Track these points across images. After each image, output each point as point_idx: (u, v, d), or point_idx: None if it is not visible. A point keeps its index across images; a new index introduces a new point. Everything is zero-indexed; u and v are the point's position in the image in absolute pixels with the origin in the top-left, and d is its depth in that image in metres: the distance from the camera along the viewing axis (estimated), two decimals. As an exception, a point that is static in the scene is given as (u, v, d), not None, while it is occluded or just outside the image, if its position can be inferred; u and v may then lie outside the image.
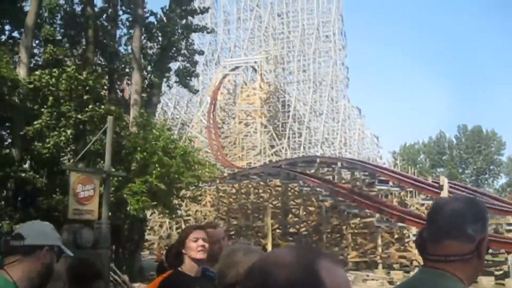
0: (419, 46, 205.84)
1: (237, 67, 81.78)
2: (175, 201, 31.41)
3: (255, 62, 79.23)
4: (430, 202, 38.17)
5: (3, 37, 32.73)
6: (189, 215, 53.59)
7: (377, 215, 36.22)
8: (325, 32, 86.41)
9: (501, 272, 30.39)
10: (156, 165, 26.04)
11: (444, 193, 34.30)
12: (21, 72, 25.77)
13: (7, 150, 24.97)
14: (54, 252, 3.02)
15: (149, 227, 46.87)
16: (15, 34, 32.69)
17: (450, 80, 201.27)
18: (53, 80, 25.39)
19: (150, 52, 35.60)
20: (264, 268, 1.28)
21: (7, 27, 32.84)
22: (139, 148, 26.98)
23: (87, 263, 4.46)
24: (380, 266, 35.18)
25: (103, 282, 4.19)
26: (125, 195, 25.70)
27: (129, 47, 34.45)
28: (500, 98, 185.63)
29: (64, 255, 3.13)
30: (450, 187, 38.00)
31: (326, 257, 1.30)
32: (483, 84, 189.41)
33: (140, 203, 25.08)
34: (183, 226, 36.32)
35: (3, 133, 28.85)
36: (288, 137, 79.27)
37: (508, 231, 33.31)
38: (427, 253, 2.23)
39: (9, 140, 28.00)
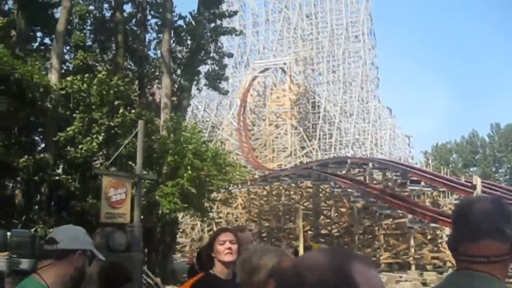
0: (450, 43, 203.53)
1: (266, 69, 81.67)
2: (207, 204, 31.52)
3: (284, 64, 79.07)
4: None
5: (35, 44, 33.29)
6: (220, 218, 53.64)
7: (410, 215, 35.88)
8: (354, 32, 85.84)
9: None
10: (188, 167, 26.14)
11: (478, 193, 33.83)
12: (53, 78, 26.13)
13: (41, 155, 25.27)
14: (87, 256, 3.06)
15: (181, 230, 47.10)
16: (47, 40, 33.25)
17: (483, 78, 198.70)
18: (85, 85, 25.69)
19: (180, 55, 35.77)
20: (297, 271, 1.28)
21: (38, 34, 33.39)
22: (170, 151, 27.13)
23: (117, 267, 4.53)
24: (413, 267, 34.80)
25: (133, 285, 4.23)
26: (156, 197, 25.86)
27: (159, 51, 34.67)
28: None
29: (96, 259, 3.15)
30: (484, 186, 37.51)
31: (359, 259, 1.29)
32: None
33: (171, 204, 25.20)
34: (215, 229, 36.44)
35: (36, 138, 29.27)
36: (319, 138, 78.93)
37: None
38: (459, 254, 2.18)
39: (42, 145, 28.39)
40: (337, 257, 1.29)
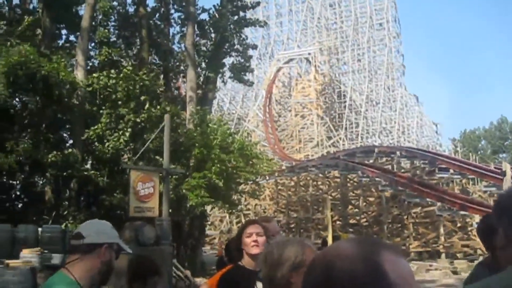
0: (476, 28, 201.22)
1: (291, 60, 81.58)
2: (234, 196, 31.58)
3: (309, 54, 78.92)
4: (493, 189, 37.33)
5: (60, 42, 33.63)
6: (248, 209, 53.79)
7: (439, 203, 35.61)
8: (379, 20, 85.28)
9: None
10: (215, 160, 26.19)
11: (507, 179, 33.43)
12: (79, 74, 26.36)
13: (69, 151, 25.52)
14: (113, 250, 3.07)
15: (209, 222, 47.31)
16: (72, 38, 33.54)
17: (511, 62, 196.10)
18: (110, 81, 25.87)
19: (204, 48, 35.84)
20: (327, 261, 1.28)
21: (63, 32, 33.74)
22: (196, 144, 27.21)
23: (145, 260, 4.59)
24: (443, 255, 34.54)
25: (160, 277, 4.27)
26: (184, 191, 25.97)
27: (183, 45, 34.77)
28: None
29: (123, 252, 3.17)
30: (514, 172, 37.09)
31: (389, 248, 1.29)
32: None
33: (199, 198, 25.28)
34: (243, 220, 36.50)
35: (64, 135, 29.57)
36: (345, 128, 78.71)
37: None
38: None
39: (70, 142, 28.68)
40: (366, 247, 1.29)
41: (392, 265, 1.24)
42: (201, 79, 34.53)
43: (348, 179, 48.25)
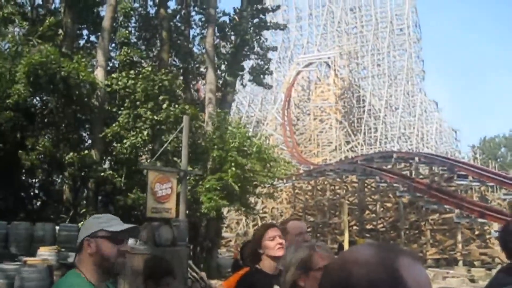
0: (496, 33, 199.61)
1: (310, 64, 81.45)
2: (251, 199, 31.58)
3: (329, 58, 78.79)
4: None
5: (81, 42, 33.84)
6: (265, 212, 53.84)
7: (457, 210, 35.34)
8: (399, 25, 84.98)
9: None
10: (232, 164, 26.20)
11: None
12: (99, 75, 26.55)
13: (87, 151, 25.69)
14: (99, 238, 3.03)
15: (226, 225, 47.34)
16: (93, 38, 33.76)
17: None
18: (130, 81, 26.02)
19: (224, 51, 35.93)
20: (345, 267, 1.28)
21: (84, 32, 33.96)
22: (214, 147, 27.26)
23: (159, 259, 4.66)
24: (460, 263, 34.28)
25: (174, 278, 4.30)
26: (198, 194, 26.01)
27: (203, 47, 34.87)
28: None
29: (115, 231, 3.07)
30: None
31: (406, 254, 1.29)
32: None
33: (212, 201, 25.30)
34: (259, 223, 36.47)
35: (84, 134, 29.79)
36: (364, 133, 78.50)
37: None
38: None
39: (89, 141, 28.88)
40: (384, 253, 1.29)
41: (409, 271, 1.24)
42: (220, 81, 34.60)
43: (365, 184, 48.09)
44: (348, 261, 1.30)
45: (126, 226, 3.12)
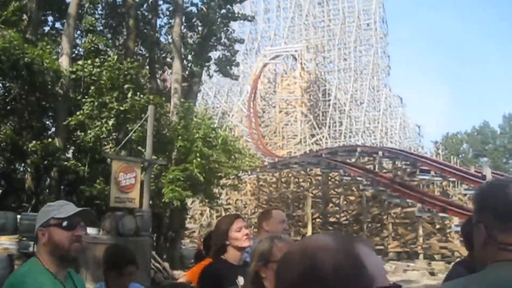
0: (462, 32, 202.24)
1: (277, 56, 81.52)
2: (215, 190, 31.56)
3: (296, 51, 78.87)
4: (473, 192, 37.58)
5: (46, 28, 33.33)
6: (229, 204, 53.88)
7: (419, 205, 35.79)
8: (366, 20, 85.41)
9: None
10: (197, 154, 26.12)
11: (487, 183, 33.63)
12: (64, 62, 26.19)
13: (50, 139, 25.36)
14: (51, 227, 3.02)
15: (190, 216, 47.24)
16: (58, 25, 33.28)
17: (494, 68, 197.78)
18: (95, 69, 25.72)
19: (190, 41, 35.73)
20: (308, 253, 1.31)
21: (49, 18, 33.46)
22: (179, 137, 27.14)
23: (120, 249, 4.65)
24: (421, 256, 34.73)
25: (135, 267, 4.28)
26: (161, 184, 25.90)
27: (170, 37, 34.64)
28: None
29: (69, 215, 3.05)
30: (494, 177, 37.35)
31: (363, 242, 1.34)
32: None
33: (175, 192, 25.20)
34: (223, 215, 36.49)
35: (47, 122, 29.40)
36: (329, 126, 78.88)
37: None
38: (499, 243, 2.01)
39: (53, 130, 28.52)
40: (344, 240, 1.33)
41: (368, 258, 1.29)
42: (187, 71, 34.41)
43: (329, 177, 48.39)
44: (310, 248, 1.32)
45: (77, 209, 3.10)
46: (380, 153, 45.86)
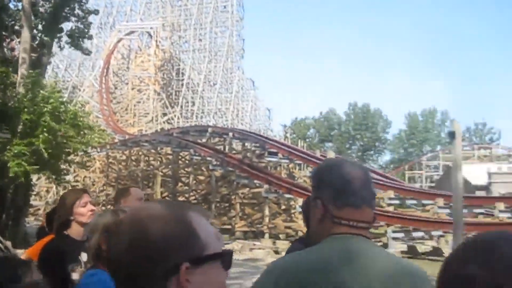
0: (319, 23, 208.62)
1: (132, 32, 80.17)
2: (63, 166, 30.64)
3: (151, 28, 78.00)
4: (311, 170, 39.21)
5: None
6: (77, 181, 52.53)
7: (266, 186, 36.66)
8: (223, 2, 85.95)
9: (380, 243, 31.78)
10: (44, 129, 25.17)
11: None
12: None
13: None
14: None
15: (35, 192, 45.54)
16: None
17: (344, 58, 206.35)
18: None
19: (42, 10, 34.22)
20: (139, 222, 1.34)
21: None
22: (25, 110, 26.00)
23: None
24: (266, 235, 35.72)
25: None
26: (6, 158, 24.75)
27: (20, 4, 33.00)
28: (390, 79, 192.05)
29: None
30: (336, 160, 39.02)
31: (195, 209, 1.41)
32: (374, 65, 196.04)
33: (21, 167, 24.19)
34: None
35: None
36: (181, 106, 78.86)
37: (389, 205, 34.80)
38: (339, 218, 2.16)
39: None
40: (176, 208, 1.39)
41: (200, 225, 1.35)
42: (37, 41, 32.98)
43: (180, 157, 48.45)
44: (141, 217, 1.35)
45: None
46: (231, 134, 46.48)
